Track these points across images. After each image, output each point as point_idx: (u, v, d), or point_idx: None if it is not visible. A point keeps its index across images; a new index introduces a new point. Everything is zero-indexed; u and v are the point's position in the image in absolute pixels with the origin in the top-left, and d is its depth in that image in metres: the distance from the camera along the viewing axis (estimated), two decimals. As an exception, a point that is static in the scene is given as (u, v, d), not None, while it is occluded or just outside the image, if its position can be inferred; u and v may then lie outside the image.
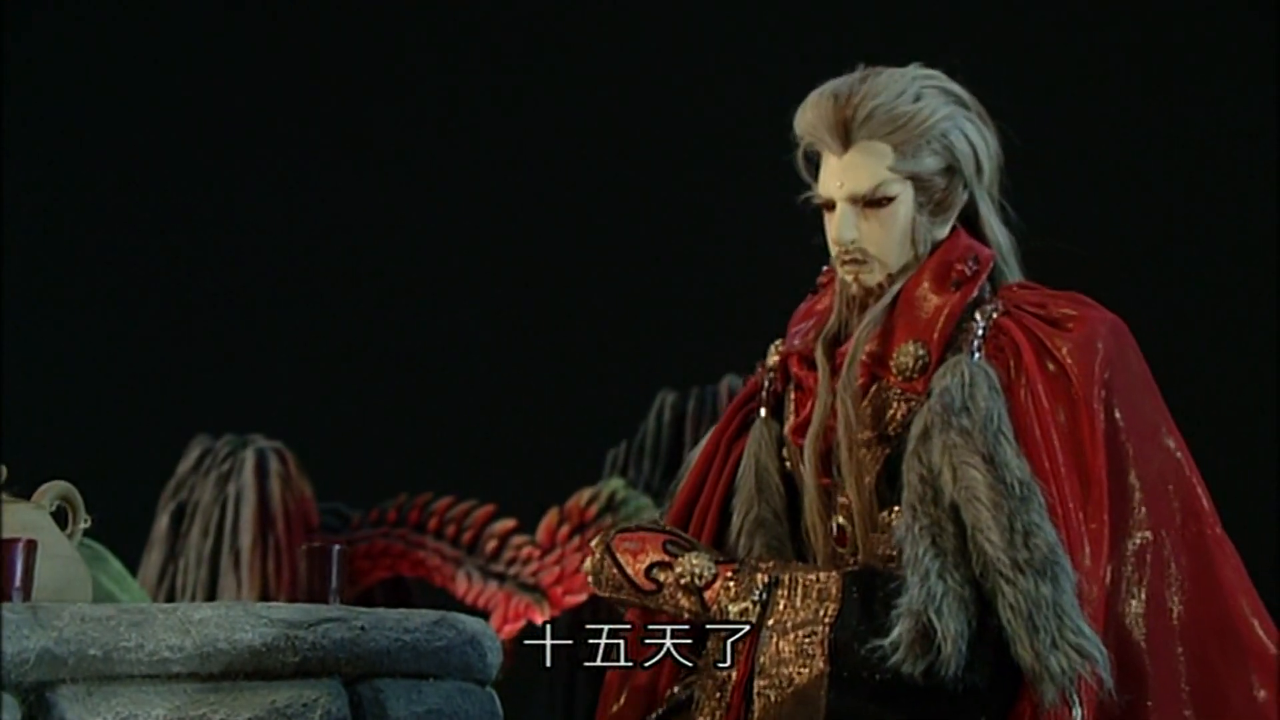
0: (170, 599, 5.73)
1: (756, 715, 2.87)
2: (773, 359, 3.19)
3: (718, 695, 2.93)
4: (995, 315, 3.04)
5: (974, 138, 3.08)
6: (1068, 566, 2.84)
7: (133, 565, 5.52)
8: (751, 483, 3.09)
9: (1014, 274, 3.14)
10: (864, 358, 3.02)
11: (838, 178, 3.05)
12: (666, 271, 6.56)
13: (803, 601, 2.92)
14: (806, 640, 2.88)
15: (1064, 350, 3.00)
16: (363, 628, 2.99)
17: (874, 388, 3.04)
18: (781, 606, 2.92)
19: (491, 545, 5.87)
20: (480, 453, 6.59)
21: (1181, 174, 6.23)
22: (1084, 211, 6.19)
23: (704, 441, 3.23)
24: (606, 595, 3.02)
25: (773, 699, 2.87)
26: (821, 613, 2.90)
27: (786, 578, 2.96)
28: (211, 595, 5.73)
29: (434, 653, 3.06)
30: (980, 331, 3.02)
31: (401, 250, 6.96)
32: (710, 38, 6.50)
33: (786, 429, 3.11)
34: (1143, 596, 2.93)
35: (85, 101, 6.99)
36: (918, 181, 3.05)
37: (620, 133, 6.69)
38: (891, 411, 3.02)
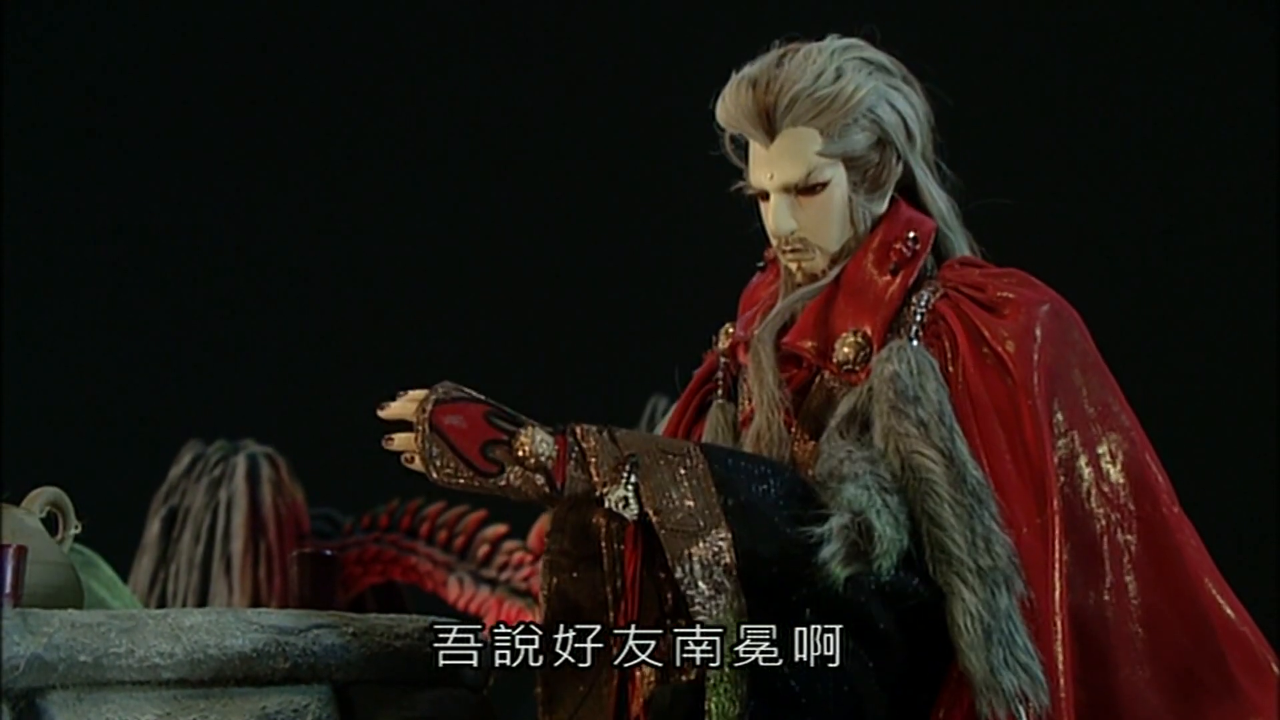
0: (161, 605, 5.72)
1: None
2: (725, 343, 3.15)
3: (608, 573, 2.75)
4: (933, 300, 2.99)
5: (901, 106, 3.01)
6: (1022, 578, 2.80)
7: (124, 571, 5.51)
8: None
9: (958, 238, 3.07)
10: (807, 351, 2.96)
11: (767, 169, 2.99)
12: (658, 277, 6.56)
13: (676, 485, 2.74)
14: (714, 544, 2.71)
15: (1001, 338, 2.94)
16: (354, 634, 2.99)
17: (816, 380, 3.00)
18: (659, 499, 2.73)
19: (483, 551, 5.86)
20: (472, 458, 6.58)
21: (1178, 166, 6.23)
22: (1081, 203, 6.20)
23: (663, 425, 3.19)
24: (443, 481, 2.82)
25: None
26: (709, 507, 2.73)
27: (642, 454, 2.77)
28: (203, 601, 5.72)
29: (425, 659, 3.06)
30: (918, 317, 2.97)
31: (394, 256, 6.96)
32: (699, 44, 6.50)
33: (740, 416, 3.07)
34: (1102, 586, 2.89)
35: (74, 109, 6.98)
36: (849, 161, 2.99)
37: (610, 135, 6.69)
38: (836, 404, 2.97)
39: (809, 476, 2.82)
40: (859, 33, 3.03)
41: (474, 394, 2.86)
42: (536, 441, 2.82)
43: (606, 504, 2.75)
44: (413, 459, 2.84)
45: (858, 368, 2.94)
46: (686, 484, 2.77)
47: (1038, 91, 6.27)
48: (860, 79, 2.98)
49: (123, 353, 6.94)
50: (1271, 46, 6.07)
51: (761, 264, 3.15)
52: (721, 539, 2.72)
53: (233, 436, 6.00)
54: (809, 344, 2.98)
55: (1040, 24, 6.32)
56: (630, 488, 2.76)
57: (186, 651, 2.85)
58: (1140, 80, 6.24)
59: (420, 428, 2.82)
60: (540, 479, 2.82)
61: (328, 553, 3.20)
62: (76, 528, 3.13)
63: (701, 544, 2.72)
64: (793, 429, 2.99)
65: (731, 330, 3.13)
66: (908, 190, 3.06)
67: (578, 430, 2.83)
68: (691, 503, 2.75)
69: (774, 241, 3.02)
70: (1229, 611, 2.92)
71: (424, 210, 6.95)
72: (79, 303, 6.90)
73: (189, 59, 6.98)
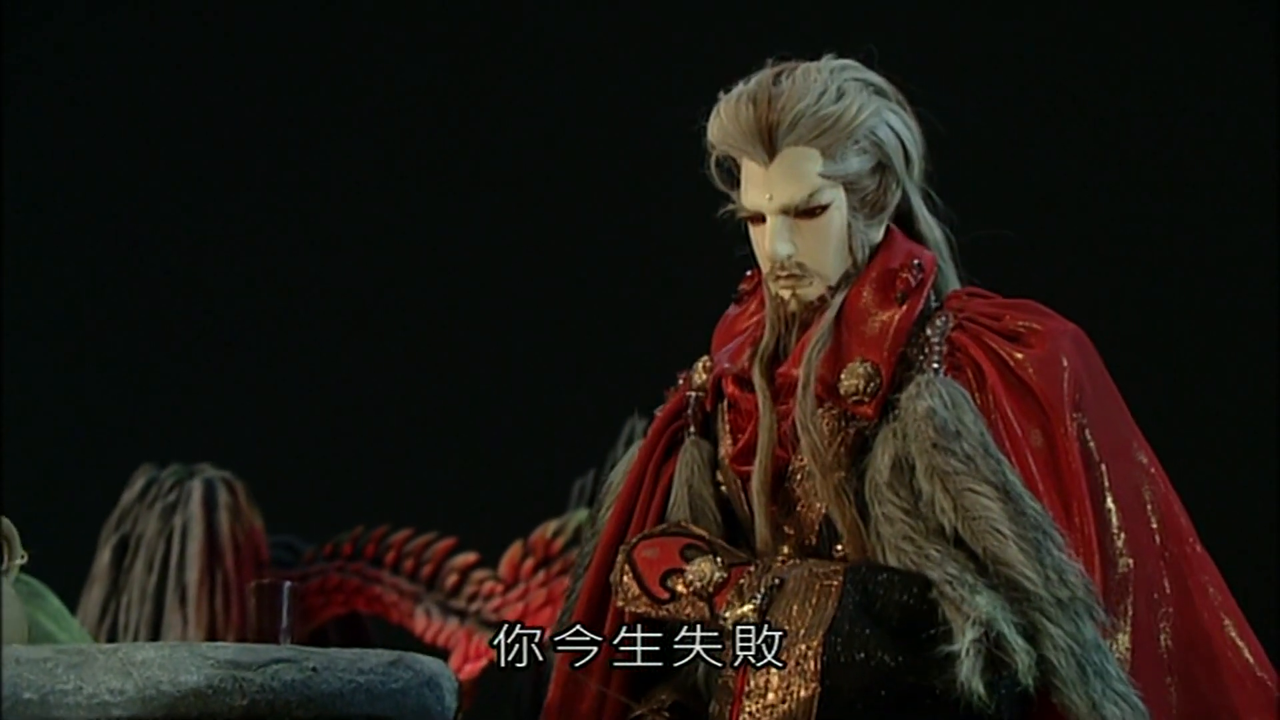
0: (112, 638, 5.70)
1: None
2: (700, 377, 3.15)
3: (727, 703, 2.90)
4: (949, 330, 3.00)
5: (899, 129, 3.03)
6: (1101, 605, 2.83)
7: (72, 602, 5.50)
8: (685, 511, 3.07)
9: (951, 271, 3.10)
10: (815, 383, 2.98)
11: (765, 190, 2.99)
12: (634, 296, 6.57)
13: (801, 607, 2.88)
14: (801, 657, 2.83)
15: (1028, 369, 2.96)
16: (314, 669, 2.99)
17: (822, 410, 3.00)
18: (780, 615, 2.87)
19: (452, 580, 5.86)
20: (440, 483, 6.59)
21: (1176, 173, 6.25)
22: (1078, 211, 6.22)
23: (626, 464, 3.20)
24: (627, 609, 3.00)
25: None
26: (818, 621, 2.85)
27: (794, 576, 2.91)
28: (156, 634, 5.70)
29: (390, 695, 3.06)
30: (937, 348, 2.98)
31: (357, 271, 6.96)
32: (681, 68, 6.52)
33: (724, 454, 3.08)
34: (1129, 628, 2.92)
35: (41, 125, 6.99)
36: (849, 185, 3.00)
37: (585, 153, 6.70)
38: (840, 436, 2.98)
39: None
40: (855, 54, 3.06)
41: (693, 531, 3.02)
42: (706, 571, 2.96)
43: (727, 622, 2.90)
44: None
45: (866, 399, 2.96)
46: (814, 600, 2.87)
47: (1023, 115, 6.30)
48: (862, 99, 3.01)
49: (71, 371, 6.93)
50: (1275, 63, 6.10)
51: (736, 295, 3.15)
52: (809, 649, 2.82)
53: (188, 460, 5.99)
54: (817, 375, 2.99)
55: (1024, 46, 6.35)
56: (754, 606, 2.91)
57: (138, 688, 2.85)
58: (1135, 109, 6.27)
59: (619, 560, 3.01)
60: (704, 606, 2.95)
61: (288, 583, 3.20)
62: (22, 558, 3.13)
63: (785, 655, 2.85)
64: (790, 465, 3.01)
65: (709, 364, 3.13)
66: (902, 219, 3.07)
67: (754, 564, 2.96)
68: (803, 618, 2.86)
69: (766, 267, 3.03)
70: (1248, 656, 2.95)
71: (391, 229, 6.95)
72: (21, 320, 6.89)
73: (149, 85, 6.99)
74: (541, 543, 5.82)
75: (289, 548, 6.02)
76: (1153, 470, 2.98)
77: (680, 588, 2.93)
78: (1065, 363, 2.94)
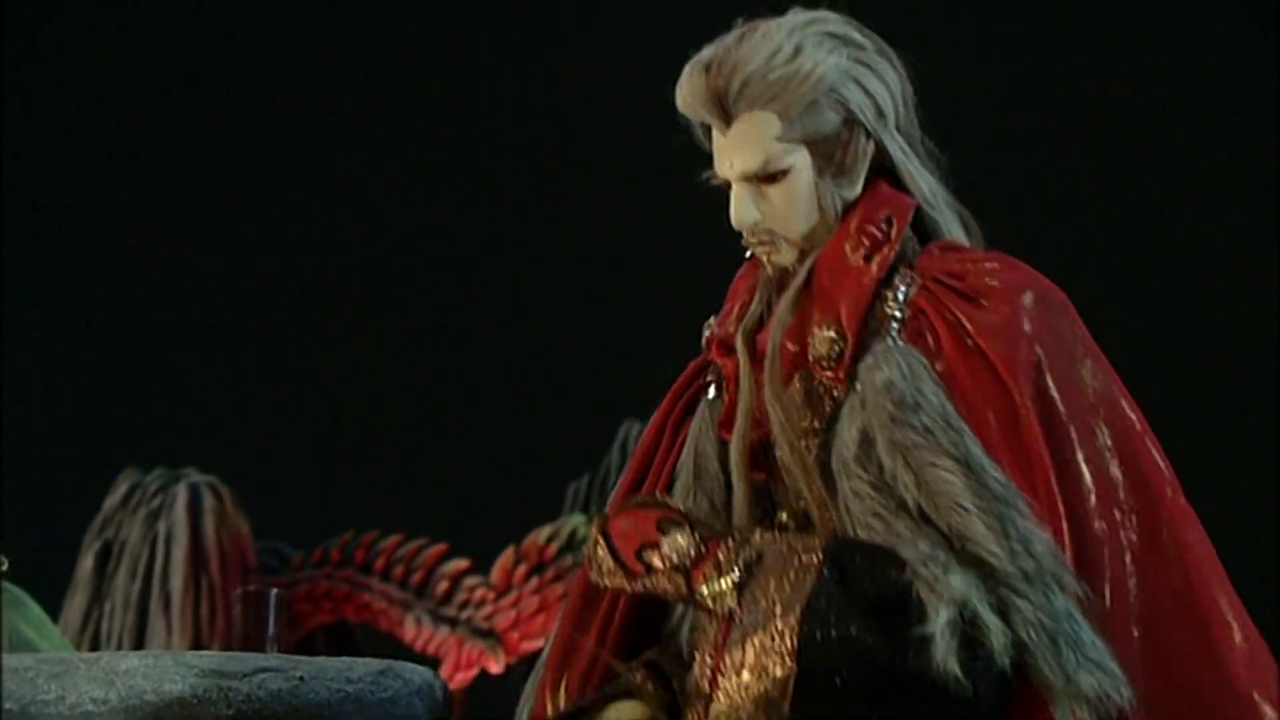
0: (95, 646, 5.70)
1: (712, 715, 2.81)
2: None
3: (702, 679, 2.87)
4: (911, 294, 2.94)
5: (869, 82, 2.93)
6: (1070, 572, 2.78)
7: (54, 610, 5.48)
8: (690, 472, 3.03)
9: (947, 217, 3.02)
10: (785, 353, 2.92)
11: (727, 157, 2.93)
12: (630, 299, 6.56)
13: (779, 583, 2.84)
14: (778, 635, 2.81)
15: (986, 336, 2.89)
16: (302, 678, 2.98)
17: (796, 377, 2.96)
18: (758, 591, 2.84)
19: (443, 587, 5.85)
20: (431, 487, 6.58)
21: (1176, 172, 6.26)
22: (1078, 188, 6.22)
23: (649, 425, 3.16)
24: (602, 582, 2.93)
25: (735, 700, 2.81)
26: (795, 598, 2.79)
27: (771, 551, 2.88)
28: (139, 642, 5.70)
29: (379, 704, 3.05)
30: (897, 314, 2.93)
31: (345, 273, 6.96)
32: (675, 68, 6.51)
33: (718, 419, 3.04)
34: (1105, 591, 2.87)
35: (19, 125, 6.98)
36: (813, 145, 2.91)
37: (579, 154, 6.69)
38: (813, 407, 2.93)
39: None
40: (828, 4, 2.98)
41: (669, 503, 2.97)
42: (682, 543, 2.90)
43: (705, 598, 2.85)
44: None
45: (832, 364, 2.90)
46: (791, 576, 2.82)
47: (1031, 70, 6.30)
48: (820, 56, 2.91)
49: (53, 373, 6.91)
50: (1272, 46, 6.10)
51: (749, 252, 3.10)
52: (785, 627, 2.78)
53: (173, 464, 5.98)
54: (788, 346, 2.94)
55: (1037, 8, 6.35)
56: (732, 581, 2.84)
57: (121, 698, 2.84)
58: (1138, 63, 6.27)
59: (592, 531, 2.95)
60: (681, 580, 2.88)
61: (274, 589, 3.18)
62: (3, 565, 3.11)
63: (761, 632, 2.79)
64: (771, 435, 2.97)
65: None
66: (889, 172, 3.01)
67: (731, 536, 2.90)
68: (780, 594, 2.80)
69: (741, 233, 2.99)
70: (1229, 615, 2.90)
71: (381, 228, 6.95)
72: (3, 325, 6.87)
73: (126, 89, 6.99)
74: (534, 549, 5.80)
75: (276, 553, 6.01)
76: (1129, 419, 2.90)
77: (656, 561, 2.89)
78: (1025, 327, 2.86)
